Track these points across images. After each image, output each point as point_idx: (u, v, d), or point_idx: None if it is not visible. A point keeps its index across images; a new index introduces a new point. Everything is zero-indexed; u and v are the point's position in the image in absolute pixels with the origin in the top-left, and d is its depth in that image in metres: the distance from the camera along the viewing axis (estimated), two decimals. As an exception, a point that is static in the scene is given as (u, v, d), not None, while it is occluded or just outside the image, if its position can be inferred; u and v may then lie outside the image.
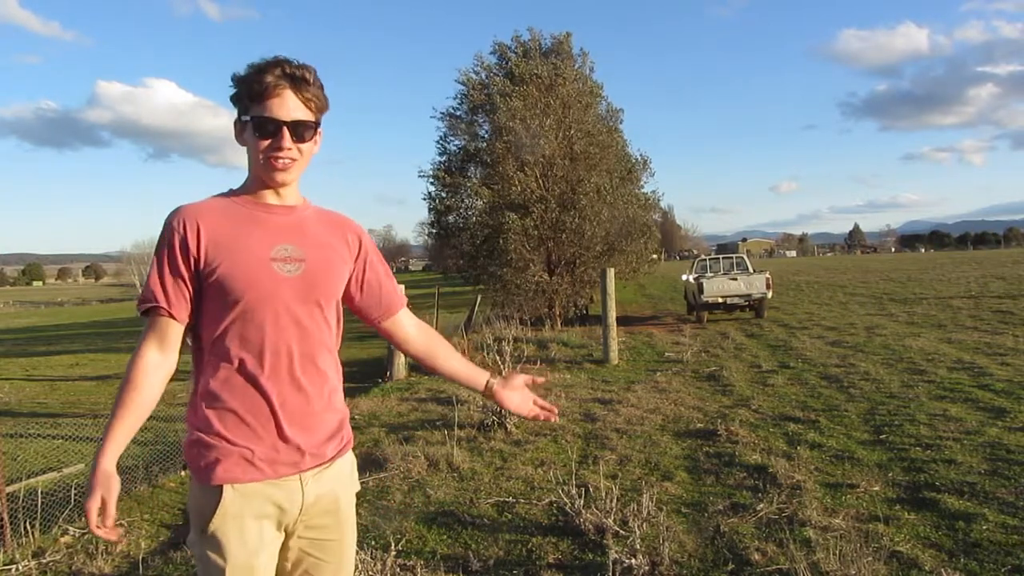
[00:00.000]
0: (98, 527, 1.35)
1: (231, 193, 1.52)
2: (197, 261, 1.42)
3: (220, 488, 1.40)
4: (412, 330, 1.73)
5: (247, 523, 1.41)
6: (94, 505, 1.34)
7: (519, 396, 1.74)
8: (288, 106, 1.44)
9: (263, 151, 1.46)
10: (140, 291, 1.44)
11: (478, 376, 1.74)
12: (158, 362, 1.43)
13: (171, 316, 1.42)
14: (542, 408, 1.76)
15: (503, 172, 14.52)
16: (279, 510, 1.45)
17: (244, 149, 1.52)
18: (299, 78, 1.45)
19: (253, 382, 1.43)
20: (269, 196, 1.51)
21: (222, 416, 1.42)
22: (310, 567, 1.53)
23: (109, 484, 1.36)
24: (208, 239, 1.42)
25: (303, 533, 1.50)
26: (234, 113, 1.52)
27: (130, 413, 1.40)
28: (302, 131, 1.46)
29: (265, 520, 1.43)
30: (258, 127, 1.44)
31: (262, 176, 1.49)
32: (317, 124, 1.50)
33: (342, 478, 1.57)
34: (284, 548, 1.50)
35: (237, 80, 1.48)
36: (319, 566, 1.54)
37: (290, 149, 1.45)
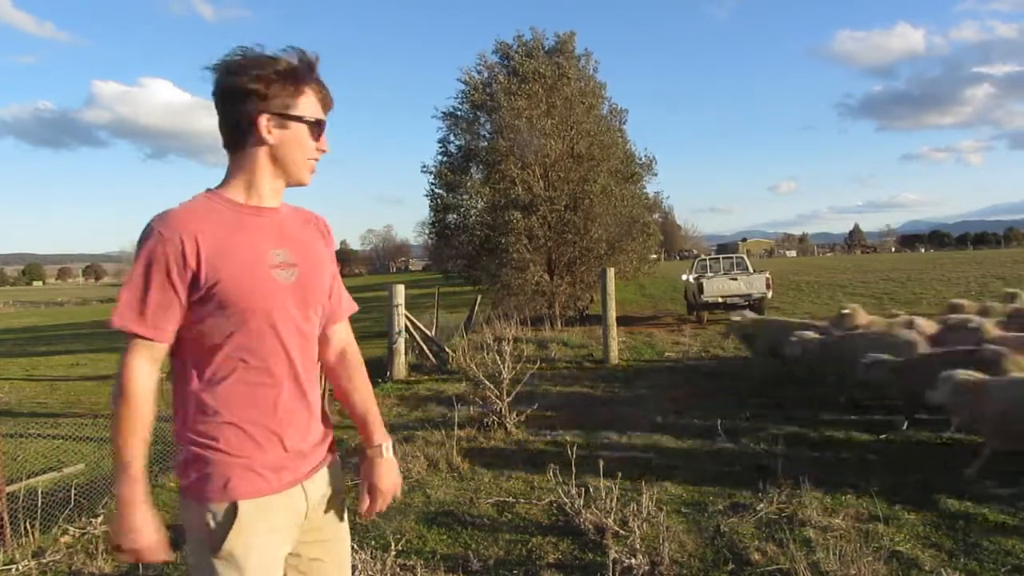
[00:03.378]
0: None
1: (211, 194, 1.42)
2: (196, 275, 1.32)
3: (233, 505, 1.34)
4: (339, 344, 1.61)
5: (263, 538, 1.36)
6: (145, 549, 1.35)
7: (371, 485, 1.60)
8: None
9: (309, 152, 1.45)
10: (117, 305, 1.32)
11: (372, 433, 1.61)
12: (149, 373, 1.35)
13: (152, 341, 1.33)
14: (372, 506, 1.60)
15: (504, 171, 14.49)
16: (289, 520, 1.42)
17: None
18: None
19: (256, 394, 1.38)
20: (269, 199, 1.44)
21: (223, 430, 1.36)
22: (316, 571, 1.51)
23: (152, 531, 1.35)
24: (207, 251, 1.32)
25: (306, 538, 1.48)
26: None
27: (139, 433, 1.33)
28: None
29: (278, 533, 1.40)
30: (317, 129, 1.45)
31: (294, 176, 1.45)
32: None
33: (334, 476, 1.56)
34: (289, 558, 1.47)
35: (287, 72, 1.38)
36: (324, 568, 1.51)
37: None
